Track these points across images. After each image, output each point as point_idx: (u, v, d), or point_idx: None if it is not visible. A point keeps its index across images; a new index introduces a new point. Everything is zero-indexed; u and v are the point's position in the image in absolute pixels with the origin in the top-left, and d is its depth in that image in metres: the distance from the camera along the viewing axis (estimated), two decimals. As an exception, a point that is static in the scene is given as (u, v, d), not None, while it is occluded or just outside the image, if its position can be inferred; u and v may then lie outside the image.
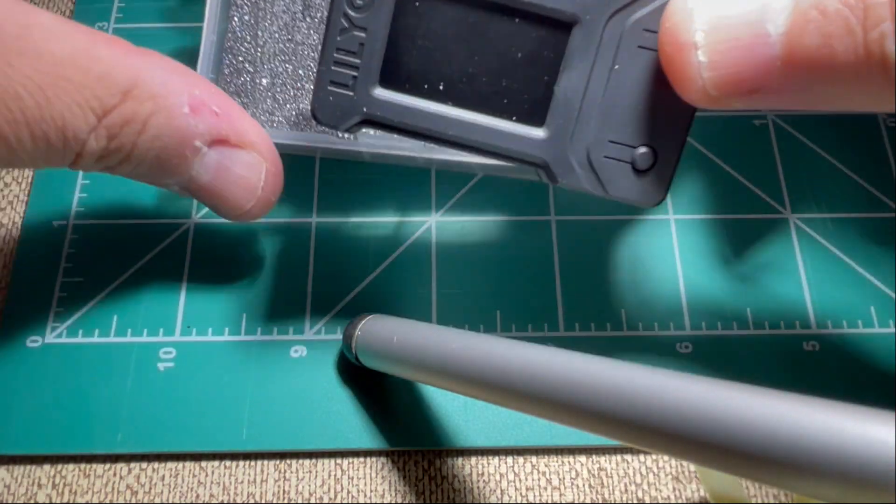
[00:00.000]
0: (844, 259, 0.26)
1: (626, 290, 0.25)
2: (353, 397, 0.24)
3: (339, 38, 0.17)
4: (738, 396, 0.12)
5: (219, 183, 0.21)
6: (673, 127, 0.18)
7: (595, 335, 0.25)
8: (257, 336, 0.24)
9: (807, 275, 0.25)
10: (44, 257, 0.25)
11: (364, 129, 0.18)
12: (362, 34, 0.17)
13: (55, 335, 0.24)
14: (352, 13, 0.17)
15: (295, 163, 0.27)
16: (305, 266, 0.25)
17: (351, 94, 0.18)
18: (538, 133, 0.18)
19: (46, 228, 0.26)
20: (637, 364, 0.14)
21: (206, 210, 0.26)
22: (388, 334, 0.20)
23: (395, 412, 0.23)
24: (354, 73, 0.18)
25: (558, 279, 0.25)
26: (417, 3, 0.17)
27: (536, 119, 0.18)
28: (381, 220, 0.26)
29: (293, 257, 0.26)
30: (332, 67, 0.18)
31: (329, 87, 0.18)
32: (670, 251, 0.26)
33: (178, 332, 0.24)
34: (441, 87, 0.18)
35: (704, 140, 0.28)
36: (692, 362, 0.24)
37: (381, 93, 0.18)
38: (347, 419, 0.23)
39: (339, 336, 0.24)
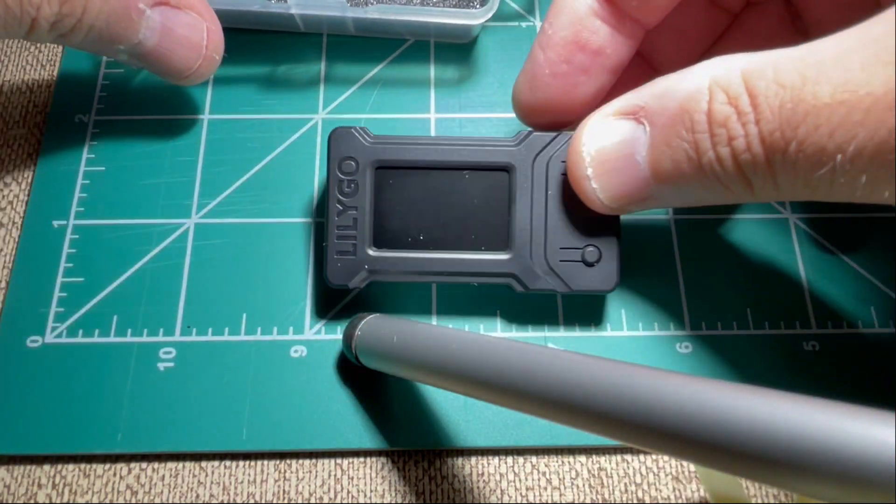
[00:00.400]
0: (844, 259, 0.26)
1: (627, 290, 0.25)
2: (353, 397, 0.24)
3: (336, 219, 0.23)
4: (738, 396, 0.12)
5: (165, 44, 0.24)
6: (608, 225, 0.22)
7: (595, 335, 0.25)
8: (257, 336, 0.24)
9: (807, 275, 0.25)
10: (44, 257, 0.25)
11: (367, 281, 0.23)
12: (354, 212, 0.23)
13: (55, 335, 0.24)
14: (343, 198, 0.23)
15: (296, 161, 0.27)
16: (305, 266, 0.25)
17: (354, 257, 0.23)
18: (505, 255, 0.23)
19: (46, 228, 0.26)
20: (637, 364, 0.14)
21: (205, 210, 0.26)
22: (388, 334, 0.20)
23: (395, 412, 0.23)
24: (354, 242, 0.23)
25: (558, 279, 0.25)
26: (391, 181, 0.23)
27: (501, 245, 0.23)
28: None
29: (293, 257, 0.26)
30: (335, 241, 0.23)
31: (336, 256, 0.23)
32: (671, 251, 0.26)
33: (178, 332, 0.24)
34: (421, 238, 0.23)
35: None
36: (692, 362, 0.24)
37: (376, 252, 0.23)
38: (347, 419, 0.23)
39: (339, 336, 0.24)
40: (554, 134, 0.22)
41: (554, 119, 0.23)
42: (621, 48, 0.22)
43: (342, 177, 0.23)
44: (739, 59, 0.17)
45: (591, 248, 0.22)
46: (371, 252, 0.23)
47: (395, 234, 0.23)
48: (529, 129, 0.23)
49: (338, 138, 0.23)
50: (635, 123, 0.19)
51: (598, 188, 0.20)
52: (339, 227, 0.23)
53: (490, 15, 0.26)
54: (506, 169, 0.23)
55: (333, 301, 0.25)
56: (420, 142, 0.23)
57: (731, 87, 0.17)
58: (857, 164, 0.15)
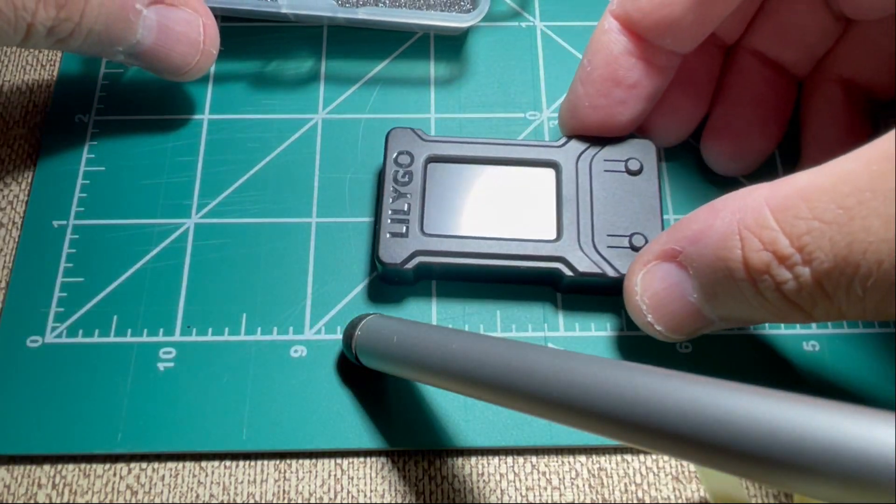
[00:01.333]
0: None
1: (626, 290, 0.25)
2: (353, 397, 0.24)
3: (391, 202, 0.24)
4: (739, 396, 0.12)
5: (163, 42, 0.24)
6: (650, 213, 0.24)
7: (595, 335, 0.25)
8: (257, 336, 0.24)
9: (807, 275, 0.25)
10: (44, 257, 0.25)
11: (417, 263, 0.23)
12: (407, 198, 0.24)
13: (55, 335, 0.24)
14: (397, 186, 0.24)
15: (296, 161, 0.27)
16: (305, 266, 0.25)
17: (405, 238, 0.23)
18: (553, 242, 0.23)
19: (46, 228, 0.26)
20: (637, 364, 0.14)
21: (205, 210, 0.26)
22: (388, 334, 0.20)
23: (395, 412, 0.23)
24: (406, 225, 0.24)
25: (558, 279, 0.25)
26: (443, 174, 0.25)
27: (549, 232, 0.24)
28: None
29: (293, 257, 0.26)
30: (389, 223, 0.24)
31: (388, 237, 0.23)
32: (670, 251, 0.26)
33: (178, 332, 0.24)
34: (471, 223, 0.24)
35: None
36: (692, 362, 0.24)
37: (427, 235, 0.24)
38: (347, 419, 0.23)
39: (339, 336, 0.24)
40: (592, 139, 0.25)
41: (597, 136, 0.25)
42: (657, 79, 0.23)
43: (397, 168, 0.24)
44: (761, 194, 0.17)
45: (637, 235, 0.23)
46: (421, 235, 0.24)
47: (444, 220, 0.24)
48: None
49: (395, 136, 0.25)
50: (678, 268, 0.20)
51: (662, 329, 0.21)
52: (394, 210, 0.24)
53: (480, 17, 0.26)
54: (552, 165, 0.25)
55: (333, 301, 0.25)
56: (472, 140, 0.25)
57: (763, 232, 0.16)
58: None
